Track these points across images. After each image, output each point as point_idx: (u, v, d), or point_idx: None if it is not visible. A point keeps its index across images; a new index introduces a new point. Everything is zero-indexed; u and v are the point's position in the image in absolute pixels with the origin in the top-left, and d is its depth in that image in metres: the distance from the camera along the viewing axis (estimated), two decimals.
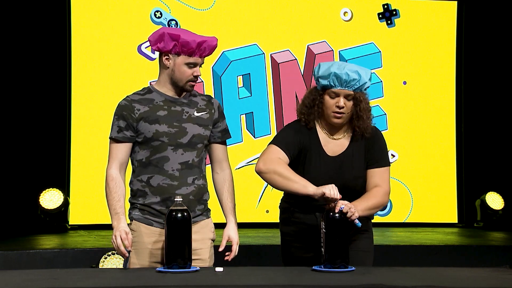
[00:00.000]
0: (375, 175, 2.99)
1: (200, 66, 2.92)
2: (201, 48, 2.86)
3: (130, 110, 2.88)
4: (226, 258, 2.94)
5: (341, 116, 2.97)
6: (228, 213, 3.03)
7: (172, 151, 2.87)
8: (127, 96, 2.94)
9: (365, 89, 3.01)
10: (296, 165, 2.99)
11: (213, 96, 3.13)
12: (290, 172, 2.89)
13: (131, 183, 2.96)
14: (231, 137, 3.09)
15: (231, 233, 3.00)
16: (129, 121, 2.88)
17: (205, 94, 3.11)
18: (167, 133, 2.87)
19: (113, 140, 2.91)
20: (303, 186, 2.84)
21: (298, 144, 3.00)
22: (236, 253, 3.00)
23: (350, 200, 2.86)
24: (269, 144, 3.03)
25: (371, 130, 3.05)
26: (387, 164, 3.03)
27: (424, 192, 7.63)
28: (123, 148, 2.91)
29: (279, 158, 2.94)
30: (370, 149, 3.02)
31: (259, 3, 7.51)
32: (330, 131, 3.04)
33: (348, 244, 2.66)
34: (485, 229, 7.34)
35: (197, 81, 2.95)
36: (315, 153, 3.00)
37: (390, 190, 3.00)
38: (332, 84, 2.95)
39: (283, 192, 3.15)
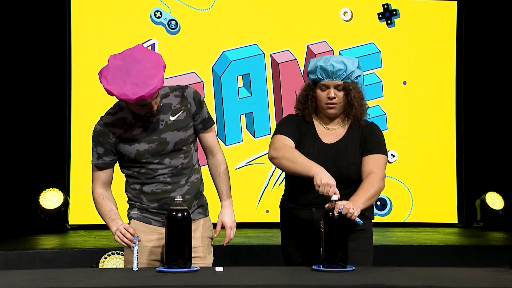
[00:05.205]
0: (369, 161, 3.01)
1: (152, 101, 2.72)
2: (125, 99, 2.65)
3: (105, 136, 2.86)
4: (222, 243, 2.96)
5: (334, 106, 3.04)
6: (222, 197, 3.03)
7: (159, 164, 2.86)
8: (101, 119, 2.89)
9: (356, 78, 3.05)
10: None
11: (187, 86, 2.94)
12: (297, 156, 2.94)
13: (126, 190, 2.98)
14: (214, 122, 3.03)
15: (224, 218, 2.99)
16: (107, 147, 2.87)
17: (177, 87, 2.94)
18: (149, 150, 2.84)
19: (94, 166, 2.93)
20: (307, 169, 2.85)
21: (298, 130, 3.07)
22: (232, 237, 2.99)
23: (346, 188, 2.92)
24: (273, 135, 3.10)
25: (368, 123, 3.11)
26: (383, 152, 3.05)
27: (424, 192, 7.64)
28: (106, 171, 2.93)
29: (286, 144, 3.00)
30: (366, 138, 3.06)
31: (259, 3, 7.52)
32: (326, 122, 3.11)
33: (347, 244, 2.66)
34: (485, 229, 7.34)
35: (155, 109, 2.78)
36: (310, 140, 3.06)
37: (385, 176, 3.02)
38: (320, 77, 3.02)
39: (283, 189, 3.21)
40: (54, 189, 6.78)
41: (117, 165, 2.97)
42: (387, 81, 7.64)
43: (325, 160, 3.00)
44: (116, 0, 7.26)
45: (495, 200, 7.44)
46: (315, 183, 2.79)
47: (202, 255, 2.93)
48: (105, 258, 4.99)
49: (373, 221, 3.14)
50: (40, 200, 6.72)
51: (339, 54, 7.52)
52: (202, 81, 7.29)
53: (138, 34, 7.18)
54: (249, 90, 7.42)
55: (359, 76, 3.07)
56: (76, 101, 7.09)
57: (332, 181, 2.77)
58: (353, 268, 2.63)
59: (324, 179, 2.77)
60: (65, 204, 6.78)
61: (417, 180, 7.63)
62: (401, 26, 7.72)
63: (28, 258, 4.96)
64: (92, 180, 2.96)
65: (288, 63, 7.49)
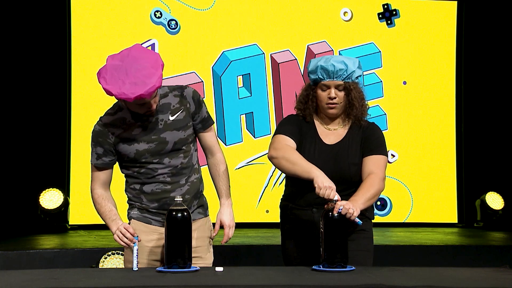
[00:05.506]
0: (369, 161, 3.01)
1: (151, 100, 2.72)
2: (124, 98, 2.66)
3: (105, 136, 2.87)
4: (221, 242, 2.96)
5: (335, 106, 3.04)
6: (221, 197, 3.02)
7: (158, 163, 2.86)
8: (100, 119, 2.90)
9: (356, 78, 3.04)
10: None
11: (186, 86, 2.94)
12: (297, 157, 2.93)
13: (125, 190, 2.98)
14: (214, 122, 3.04)
15: (223, 217, 2.98)
16: (106, 147, 2.88)
17: (177, 86, 2.95)
18: (148, 150, 2.84)
19: (94, 166, 2.94)
20: (307, 172, 2.85)
21: (299, 130, 3.07)
22: (231, 236, 2.98)
23: (346, 189, 2.92)
24: (274, 135, 3.09)
25: (369, 123, 3.11)
26: (383, 153, 3.05)
27: (424, 192, 7.64)
28: (105, 172, 2.94)
29: (287, 145, 3.00)
30: (367, 139, 3.06)
31: (259, 3, 7.52)
32: (327, 122, 3.11)
33: (346, 244, 2.66)
34: (485, 229, 7.34)
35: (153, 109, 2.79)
36: (311, 141, 3.06)
37: (385, 177, 3.02)
38: (321, 77, 3.02)
39: (283, 189, 3.21)
40: (54, 189, 6.78)
41: (117, 165, 2.97)
42: (387, 81, 7.64)
43: (326, 161, 3.00)
44: (116, 0, 7.26)
45: (495, 200, 7.44)
46: (315, 185, 2.78)
47: (202, 255, 2.93)
48: (105, 258, 4.99)
49: (373, 221, 3.14)
50: (40, 200, 6.72)
51: (339, 54, 7.53)
52: (202, 81, 7.29)
53: (138, 34, 7.18)
54: (249, 90, 7.42)
55: (360, 76, 3.07)
56: (76, 101, 7.09)
57: (332, 184, 2.77)
58: (353, 268, 2.63)
59: (325, 182, 2.77)
60: (65, 204, 6.79)
61: (417, 180, 7.63)
62: (401, 26, 7.72)
63: (28, 258, 4.96)
64: (91, 180, 2.96)
65: (288, 63, 7.50)
